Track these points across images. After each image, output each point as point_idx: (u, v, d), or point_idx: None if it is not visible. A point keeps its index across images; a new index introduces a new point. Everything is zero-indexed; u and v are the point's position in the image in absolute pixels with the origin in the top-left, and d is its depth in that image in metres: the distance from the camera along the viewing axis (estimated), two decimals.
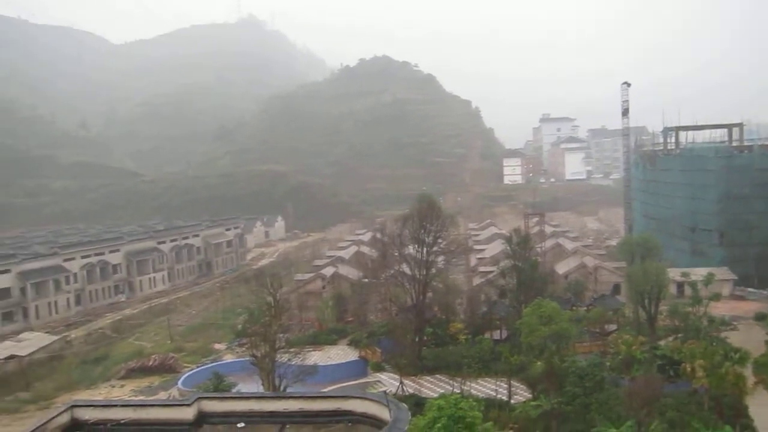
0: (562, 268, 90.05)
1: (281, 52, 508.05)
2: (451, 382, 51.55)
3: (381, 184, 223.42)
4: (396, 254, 68.46)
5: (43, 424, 19.51)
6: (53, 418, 20.07)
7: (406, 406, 21.75)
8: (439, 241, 63.31)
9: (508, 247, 68.16)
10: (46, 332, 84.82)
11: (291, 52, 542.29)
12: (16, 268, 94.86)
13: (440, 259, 66.93)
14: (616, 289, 78.91)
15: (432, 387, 53.92)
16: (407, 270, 63.52)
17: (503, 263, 70.27)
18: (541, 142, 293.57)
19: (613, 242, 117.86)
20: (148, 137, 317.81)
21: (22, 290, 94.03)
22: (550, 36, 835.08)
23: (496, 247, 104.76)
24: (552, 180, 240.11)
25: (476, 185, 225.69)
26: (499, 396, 48.52)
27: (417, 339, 60.68)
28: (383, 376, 58.27)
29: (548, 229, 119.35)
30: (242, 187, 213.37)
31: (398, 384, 52.84)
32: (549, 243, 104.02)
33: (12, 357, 71.17)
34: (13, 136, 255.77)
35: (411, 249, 64.64)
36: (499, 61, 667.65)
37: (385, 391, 26.44)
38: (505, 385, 49.14)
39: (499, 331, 64.81)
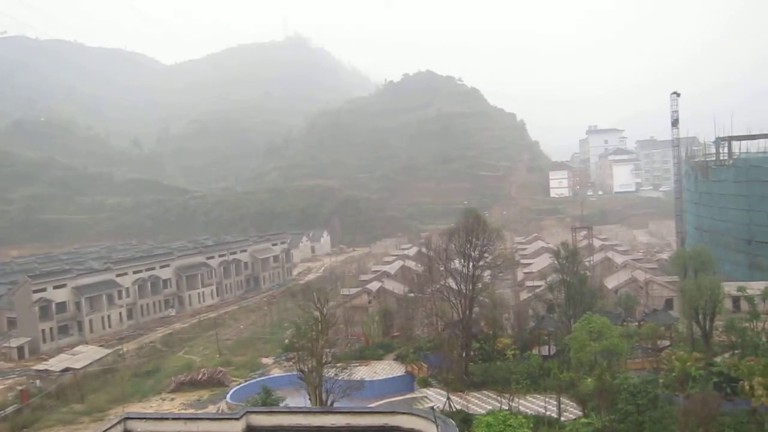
0: (611, 283, 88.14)
1: (327, 69, 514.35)
2: (498, 398, 50.81)
3: (427, 198, 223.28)
4: (442, 269, 68.11)
5: None
6: (107, 429, 20.52)
7: (453, 422, 21.57)
8: (486, 255, 62.68)
9: (556, 261, 67.08)
10: (100, 345, 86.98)
11: (336, 68, 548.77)
12: (72, 283, 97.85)
13: (487, 273, 66.26)
14: (669, 304, 76.76)
15: (479, 403, 53.27)
16: (453, 285, 63.05)
17: (551, 277, 69.19)
18: (588, 154, 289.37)
19: (665, 256, 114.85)
20: (198, 154, 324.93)
21: (77, 304, 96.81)
22: (598, 45, 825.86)
23: (543, 261, 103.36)
24: (600, 192, 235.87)
25: (522, 198, 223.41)
26: (548, 413, 47.60)
27: (464, 354, 60.07)
28: (430, 392, 57.84)
29: (597, 243, 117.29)
30: (290, 203, 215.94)
31: (445, 399, 52.37)
32: (598, 257, 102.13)
33: (67, 369, 73.12)
34: (70, 155, 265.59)
35: (457, 263, 64.25)
36: (544, 72, 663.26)
37: (432, 407, 26.28)
38: (555, 402, 48.21)
39: (547, 347, 63.68)
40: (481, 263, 61.86)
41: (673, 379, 48.50)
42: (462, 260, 61.95)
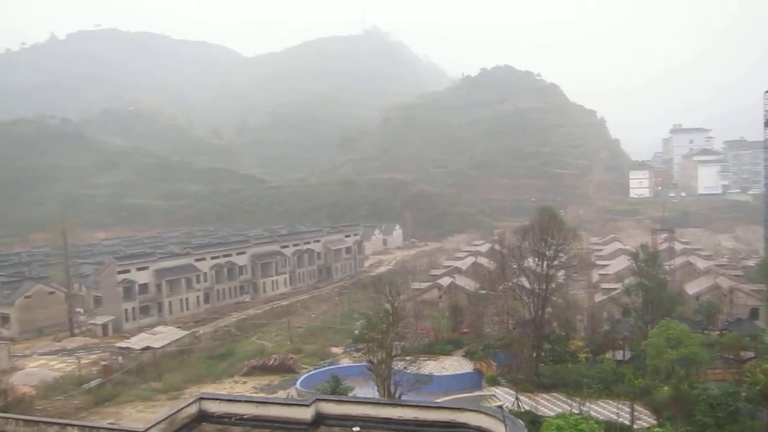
0: (692, 288, 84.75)
1: (403, 63, 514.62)
2: (569, 401, 49.82)
3: (500, 194, 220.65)
4: (515, 266, 67.27)
5: (174, 413, 20.67)
6: (183, 408, 21.23)
7: (522, 422, 21.28)
8: (560, 255, 61.45)
9: (634, 264, 65.17)
10: (178, 327, 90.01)
11: (413, 62, 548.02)
12: (154, 265, 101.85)
13: (561, 273, 65.01)
14: (754, 313, 73.17)
15: (549, 405, 52.36)
16: (526, 283, 62.15)
17: (628, 280, 67.27)
18: (671, 153, 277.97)
19: (752, 263, 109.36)
20: (274, 145, 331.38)
21: (158, 287, 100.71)
22: (683, 43, 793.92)
23: (620, 264, 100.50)
24: (683, 194, 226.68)
25: (599, 198, 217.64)
26: (620, 420, 46.30)
27: (534, 354, 59.16)
28: (498, 391, 57.27)
29: (678, 246, 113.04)
30: (362, 195, 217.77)
31: (514, 399, 51.76)
32: (679, 261, 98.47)
33: (147, 348, 76.18)
34: (154, 143, 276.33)
35: (530, 262, 63.27)
36: (627, 69, 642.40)
37: (500, 406, 25.98)
38: (628, 409, 46.83)
39: (621, 352, 61.89)
40: (555, 263, 60.72)
41: (757, 393, 46.13)
42: (536, 259, 60.99)
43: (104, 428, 19.68)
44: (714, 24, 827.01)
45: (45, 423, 20.46)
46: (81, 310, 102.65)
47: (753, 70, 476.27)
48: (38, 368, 73.49)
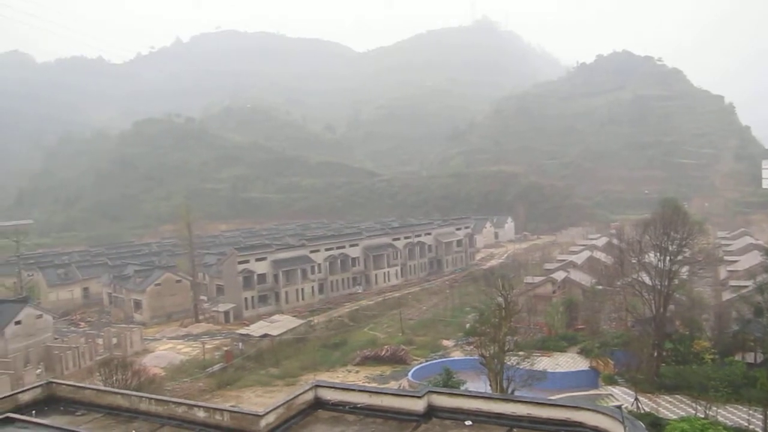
0: None
1: (515, 53, 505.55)
2: (693, 404, 47.16)
3: (617, 186, 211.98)
4: (634, 261, 64.34)
5: (291, 399, 21.28)
6: (300, 394, 21.81)
7: (642, 424, 20.33)
8: (684, 249, 58.08)
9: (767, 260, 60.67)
10: (294, 316, 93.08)
11: (525, 52, 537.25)
12: (271, 256, 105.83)
13: (684, 269, 61.52)
14: None
15: (670, 407, 49.79)
16: (646, 279, 59.22)
17: (761, 278, 62.55)
18: None
19: None
20: (386, 138, 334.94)
21: (275, 277, 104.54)
22: None
23: (751, 259, 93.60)
24: None
25: (728, 189, 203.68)
26: (751, 427, 43.32)
27: (655, 354, 56.34)
28: (616, 390, 55.13)
29: None
30: (473, 187, 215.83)
31: (633, 400, 49.60)
32: None
33: (265, 335, 79.34)
34: (271, 139, 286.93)
35: (651, 257, 60.28)
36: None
37: (619, 406, 24.96)
38: (760, 416, 43.69)
39: (753, 354, 57.80)
40: (678, 258, 57.48)
41: None
42: (657, 254, 57.99)
43: (226, 410, 20.60)
44: None
45: (174, 403, 21.66)
46: (205, 297, 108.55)
47: None
48: (167, 351, 78.40)
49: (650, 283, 57.57)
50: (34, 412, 21.94)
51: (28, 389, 24.43)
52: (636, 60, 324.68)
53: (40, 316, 79.38)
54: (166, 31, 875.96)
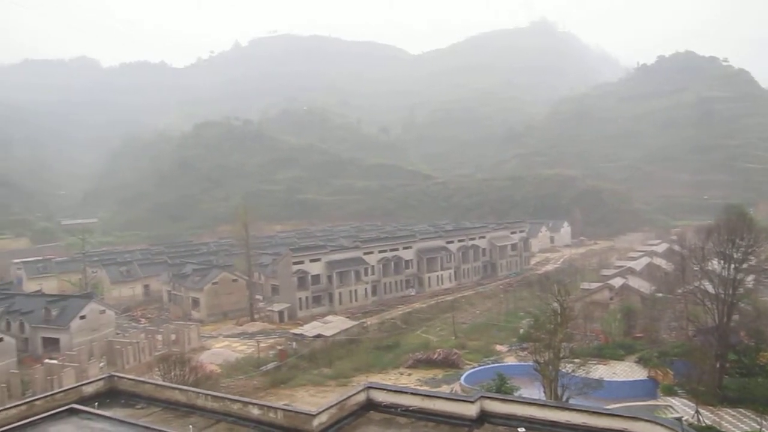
0: None
1: (573, 54, 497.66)
2: (758, 419, 45.36)
3: (679, 191, 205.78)
4: (696, 269, 62.36)
5: (344, 400, 21.45)
6: (352, 395, 21.96)
7: None
8: (750, 257, 55.98)
9: None
10: (347, 317, 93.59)
11: (583, 53, 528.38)
12: (325, 258, 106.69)
13: (750, 278, 59.24)
14: None
15: (734, 422, 48.00)
16: (709, 287, 57.31)
17: None
18: None
19: None
20: (440, 141, 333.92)
21: (329, 278, 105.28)
22: None
23: None
24: None
25: None
26: None
27: (718, 365, 54.40)
28: (675, 402, 53.49)
29: None
30: (529, 191, 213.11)
31: (693, 413, 47.99)
32: None
33: (319, 336, 79.97)
34: (327, 141, 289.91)
35: (714, 264, 58.30)
36: None
37: (679, 418, 24.20)
38: None
39: None
40: (744, 266, 55.41)
41: None
42: (721, 261, 56.05)
43: (280, 409, 20.89)
44: None
45: (230, 400, 22.10)
46: (260, 297, 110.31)
47: None
48: (222, 349, 79.97)
49: (713, 292, 55.70)
50: (96, 403, 22.68)
51: (92, 382, 25.34)
52: (700, 60, 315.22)
53: (103, 312, 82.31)
54: (226, 36, 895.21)
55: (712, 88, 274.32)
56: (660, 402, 54.16)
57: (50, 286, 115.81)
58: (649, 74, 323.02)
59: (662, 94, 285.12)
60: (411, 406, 21.63)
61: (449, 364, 72.09)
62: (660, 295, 78.12)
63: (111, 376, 25.72)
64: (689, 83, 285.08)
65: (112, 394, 24.60)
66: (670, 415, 46.73)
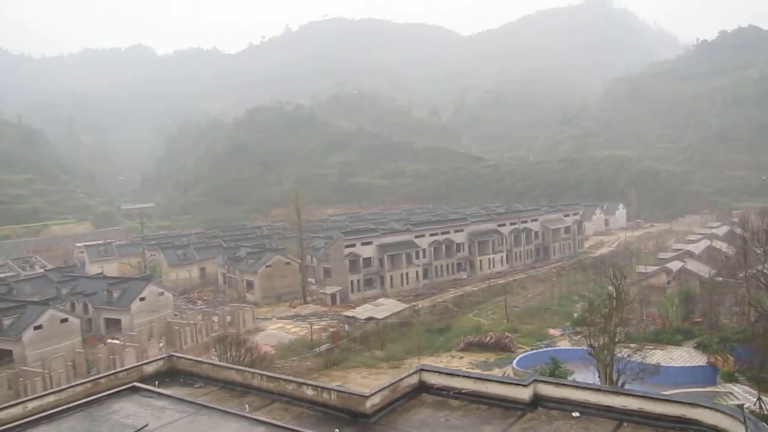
0: None
1: (629, 31, 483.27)
2: None
3: (741, 172, 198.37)
4: (759, 252, 60.35)
5: (396, 382, 21.55)
6: (404, 377, 22.04)
7: (767, 426, 19.10)
8: None
9: None
10: (398, 300, 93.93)
11: (640, 29, 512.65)
12: (377, 241, 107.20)
13: None
14: None
15: None
16: None
17: None
18: None
19: None
20: (492, 123, 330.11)
21: (381, 261, 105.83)
22: None
23: None
24: None
25: None
26: None
27: None
28: (736, 389, 52.01)
29: None
30: (583, 173, 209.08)
31: (755, 400, 46.58)
32: None
33: (371, 318, 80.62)
34: (378, 125, 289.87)
35: None
36: None
37: (740, 405, 23.48)
38: None
39: None
40: None
41: None
42: None
43: (334, 390, 21.16)
44: None
45: (284, 380, 22.49)
46: (312, 280, 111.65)
47: None
48: (277, 330, 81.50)
49: None
50: (157, 382, 23.47)
51: (152, 361, 26.21)
52: (764, 35, 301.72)
53: (161, 294, 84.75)
54: (277, 20, 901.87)
55: None
56: (720, 389, 52.77)
57: (111, 268, 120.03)
58: (710, 51, 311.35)
59: (724, 72, 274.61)
60: (463, 389, 21.59)
61: (501, 347, 71.66)
62: (720, 279, 75.86)
63: (170, 356, 26.51)
64: (753, 60, 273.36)
65: (171, 374, 25.37)
66: (730, 402, 45.55)
